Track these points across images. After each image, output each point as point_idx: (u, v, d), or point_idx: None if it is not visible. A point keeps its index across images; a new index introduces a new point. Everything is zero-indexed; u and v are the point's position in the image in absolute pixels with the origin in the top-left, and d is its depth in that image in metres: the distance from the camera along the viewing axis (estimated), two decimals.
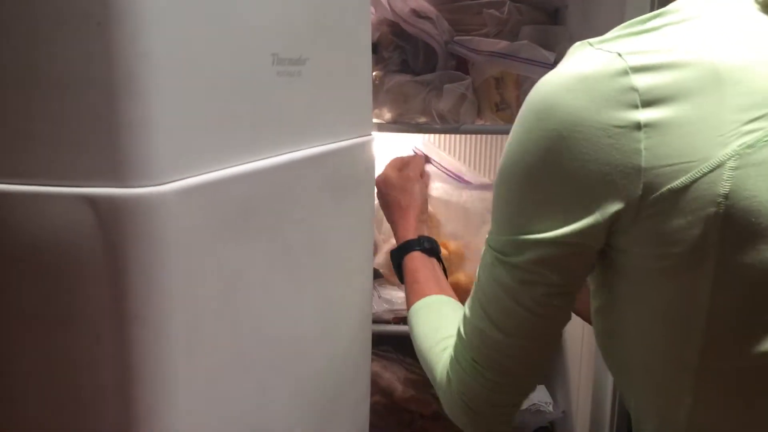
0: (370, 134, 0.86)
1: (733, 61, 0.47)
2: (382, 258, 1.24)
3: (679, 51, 0.47)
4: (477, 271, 0.59)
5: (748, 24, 0.50)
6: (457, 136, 1.53)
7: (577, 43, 0.52)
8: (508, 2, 1.21)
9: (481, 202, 1.24)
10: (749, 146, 0.45)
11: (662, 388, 0.54)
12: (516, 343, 0.57)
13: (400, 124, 1.24)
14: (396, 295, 1.28)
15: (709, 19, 0.50)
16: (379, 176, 1.00)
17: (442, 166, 1.30)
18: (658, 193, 0.47)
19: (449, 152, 1.56)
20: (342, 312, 0.83)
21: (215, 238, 0.55)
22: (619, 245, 0.51)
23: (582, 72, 0.49)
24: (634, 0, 0.97)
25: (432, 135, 1.47)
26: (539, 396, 1.34)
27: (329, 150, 0.74)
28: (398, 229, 0.94)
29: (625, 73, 0.47)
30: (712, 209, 0.46)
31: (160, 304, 0.50)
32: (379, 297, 1.27)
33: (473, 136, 1.53)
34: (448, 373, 0.63)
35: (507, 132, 0.54)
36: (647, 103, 0.46)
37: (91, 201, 0.47)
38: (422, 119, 1.23)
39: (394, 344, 1.34)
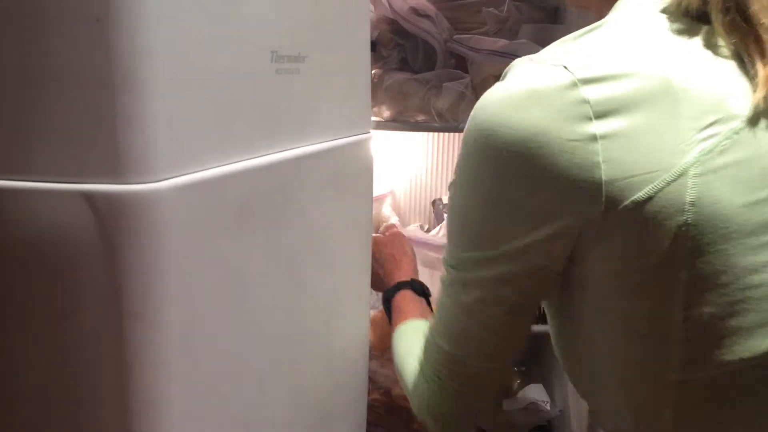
0: (369, 132, 0.86)
1: (678, 69, 0.47)
2: None
3: (622, 62, 0.47)
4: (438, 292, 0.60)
5: (671, 32, 0.49)
6: (456, 134, 1.53)
7: (517, 60, 0.51)
8: (508, 1, 1.21)
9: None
10: (708, 152, 0.45)
11: (640, 405, 0.53)
12: (474, 361, 0.57)
13: (399, 122, 1.24)
14: None
15: (638, 30, 0.50)
16: None
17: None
18: (622, 206, 0.46)
19: (449, 151, 1.56)
20: (340, 309, 0.83)
21: (213, 234, 0.55)
22: (585, 262, 0.50)
23: (530, 87, 0.47)
24: None
25: (430, 135, 1.47)
26: (537, 395, 1.34)
27: (328, 147, 0.74)
28: (393, 277, 0.95)
29: (574, 85, 0.46)
30: (680, 218, 0.45)
31: (157, 300, 0.50)
32: (377, 295, 1.27)
33: None
34: (415, 383, 0.64)
35: None
36: (600, 115, 0.45)
37: (89, 197, 0.47)
38: (421, 117, 1.23)
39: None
